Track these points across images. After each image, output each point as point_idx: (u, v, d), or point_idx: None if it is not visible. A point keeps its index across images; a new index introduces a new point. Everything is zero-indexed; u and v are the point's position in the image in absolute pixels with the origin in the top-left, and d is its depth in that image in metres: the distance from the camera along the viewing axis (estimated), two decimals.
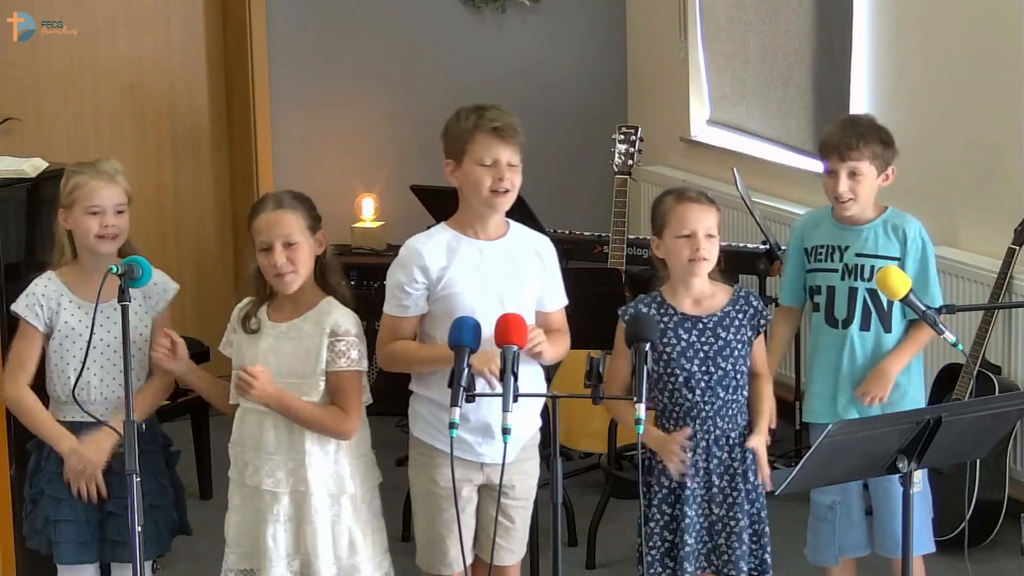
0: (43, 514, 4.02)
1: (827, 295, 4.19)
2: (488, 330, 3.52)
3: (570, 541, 5.21)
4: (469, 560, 3.83)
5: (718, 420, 3.88)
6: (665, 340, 3.86)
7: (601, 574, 5.06)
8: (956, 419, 3.38)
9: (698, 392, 3.87)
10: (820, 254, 4.22)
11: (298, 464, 3.84)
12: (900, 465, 3.38)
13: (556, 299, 3.94)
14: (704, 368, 3.87)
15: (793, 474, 3.29)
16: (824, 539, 4.24)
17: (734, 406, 3.90)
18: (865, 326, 4.15)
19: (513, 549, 3.97)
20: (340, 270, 3.97)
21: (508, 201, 3.79)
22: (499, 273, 3.81)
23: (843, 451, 3.34)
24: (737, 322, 3.89)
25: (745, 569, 3.91)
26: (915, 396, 4.24)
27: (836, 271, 4.19)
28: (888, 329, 4.15)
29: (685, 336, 3.87)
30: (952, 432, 3.37)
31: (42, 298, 4.00)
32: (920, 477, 4.15)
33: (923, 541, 4.19)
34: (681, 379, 3.86)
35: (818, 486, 4.41)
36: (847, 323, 4.16)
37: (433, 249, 3.81)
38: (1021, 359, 5.17)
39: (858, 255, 4.16)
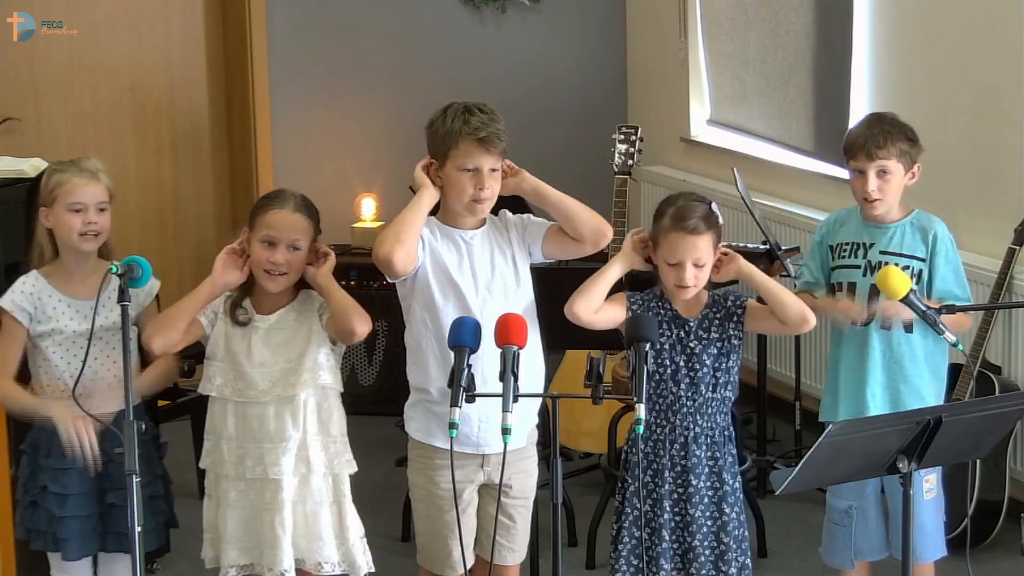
0: (46, 514, 4.00)
1: (847, 292, 4.13)
2: (474, 313, 3.65)
3: (570, 541, 5.20)
4: (471, 561, 3.85)
5: (698, 417, 3.92)
6: (660, 332, 3.91)
7: (601, 574, 5.04)
8: (956, 419, 3.37)
9: (683, 386, 3.91)
10: (844, 251, 4.17)
11: (301, 446, 3.88)
12: (900, 465, 3.37)
13: (539, 224, 3.93)
14: (690, 364, 3.92)
15: (793, 474, 3.29)
16: (840, 543, 4.20)
17: (714, 403, 3.94)
18: (886, 325, 4.09)
19: (514, 548, 3.98)
20: None
21: (487, 207, 3.84)
22: (480, 259, 3.85)
23: (843, 451, 3.34)
24: (716, 323, 3.93)
25: (715, 574, 3.92)
26: (932, 403, 4.18)
27: (859, 267, 4.14)
28: (910, 330, 4.09)
29: (676, 331, 3.93)
30: (952, 432, 3.37)
31: (29, 295, 3.99)
32: (935, 483, 4.15)
33: (938, 546, 4.18)
34: (669, 371, 3.92)
35: (819, 486, 4.41)
36: (867, 320, 4.10)
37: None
38: (1021, 359, 5.16)
39: (883, 252, 4.11)
